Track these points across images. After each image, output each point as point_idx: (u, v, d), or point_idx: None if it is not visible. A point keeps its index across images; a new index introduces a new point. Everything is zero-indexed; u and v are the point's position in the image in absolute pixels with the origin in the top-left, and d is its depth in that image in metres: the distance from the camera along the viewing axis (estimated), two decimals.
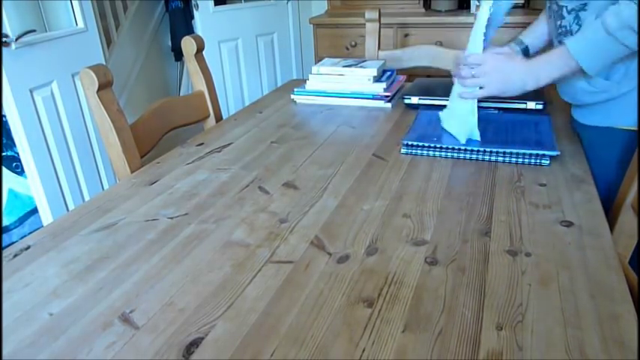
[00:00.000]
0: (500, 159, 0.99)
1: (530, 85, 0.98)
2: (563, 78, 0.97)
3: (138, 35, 3.48)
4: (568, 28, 1.01)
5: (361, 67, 1.45)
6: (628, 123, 0.97)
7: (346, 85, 1.44)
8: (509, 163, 0.98)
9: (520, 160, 0.98)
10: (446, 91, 1.32)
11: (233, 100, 2.94)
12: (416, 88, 1.41)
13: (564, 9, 1.01)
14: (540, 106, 1.21)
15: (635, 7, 0.83)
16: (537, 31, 1.21)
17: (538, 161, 0.97)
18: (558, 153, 0.96)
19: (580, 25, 0.99)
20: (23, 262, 0.73)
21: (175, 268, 0.70)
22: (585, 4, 0.96)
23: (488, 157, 1.00)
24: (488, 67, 1.00)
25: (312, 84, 1.47)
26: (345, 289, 0.64)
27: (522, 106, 1.22)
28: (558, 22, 1.03)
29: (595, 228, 0.75)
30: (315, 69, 1.47)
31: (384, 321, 0.58)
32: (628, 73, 0.94)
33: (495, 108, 1.24)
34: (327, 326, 0.57)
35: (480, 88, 1.01)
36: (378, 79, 1.43)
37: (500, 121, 1.13)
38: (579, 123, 1.08)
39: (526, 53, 1.20)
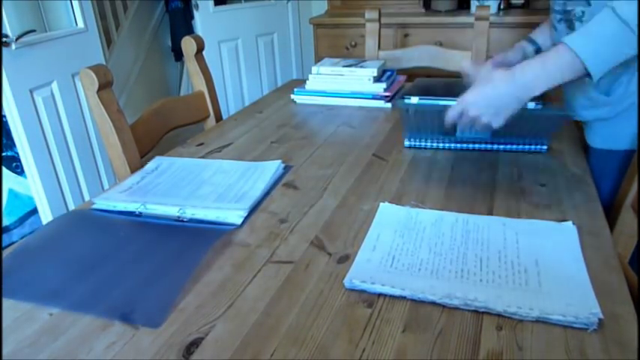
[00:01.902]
0: (502, 147, 1.03)
1: (525, 98, 0.82)
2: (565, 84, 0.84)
3: (138, 35, 3.48)
4: None
5: (361, 67, 1.45)
6: (626, 145, 0.94)
7: (346, 85, 1.44)
8: (510, 151, 1.03)
9: (521, 146, 1.02)
10: (446, 91, 1.32)
11: (233, 100, 2.94)
12: (416, 89, 1.41)
13: (569, 14, 0.92)
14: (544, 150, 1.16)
15: None
16: (548, 31, 1.11)
17: (538, 147, 1.01)
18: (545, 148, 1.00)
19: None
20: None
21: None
22: (583, 12, 0.88)
23: (490, 147, 1.04)
24: (473, 108, 0.84)
25: (312, 84, 1.47)
26: (344, 289, 0.64)
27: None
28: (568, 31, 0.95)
29: (595, 228, 0.75)
30: (314, 69, 1.47)
31: (384, 321, 0.58)
32: (628, 88, 0.90)
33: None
34: (327, 326, 0.57)
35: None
36: (378, 79, 1.43)
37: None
38: (587, 144, 1.05)
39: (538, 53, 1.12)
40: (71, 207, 2.03)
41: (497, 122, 0.84)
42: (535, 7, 2.46)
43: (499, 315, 0.57)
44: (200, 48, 1.37)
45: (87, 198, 2.13)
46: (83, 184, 2.12)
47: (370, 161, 1.03)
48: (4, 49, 1.70)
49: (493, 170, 0.96)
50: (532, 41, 1.15)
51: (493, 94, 0.82)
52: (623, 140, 0.95)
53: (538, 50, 1.14)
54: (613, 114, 0.94)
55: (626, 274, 0.66)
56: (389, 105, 1.40)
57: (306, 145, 1.14)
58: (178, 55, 3.73)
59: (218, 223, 0.81)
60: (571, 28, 0.92)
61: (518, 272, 0.64)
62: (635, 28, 0.72)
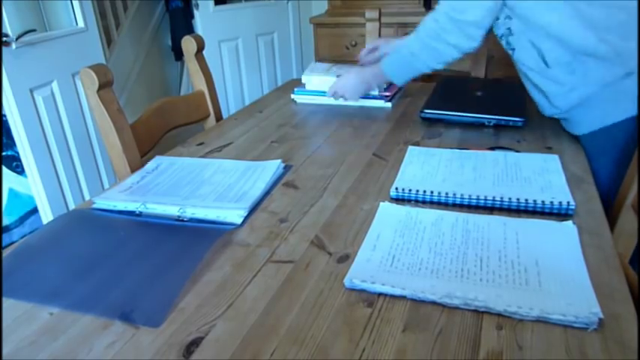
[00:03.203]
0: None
1: (365, 88, 1.30)
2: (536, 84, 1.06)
3: (138, 35, 3.48)
4: (508, 51, 1.10)
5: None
6: (617, 117, 0.97)
7: None
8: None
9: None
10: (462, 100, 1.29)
11: (233, 100, 2.94)
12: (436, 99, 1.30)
13: (497, 37, 1.10)
14: (519, 124, 1.13)
15: (432, 23, 1.04)
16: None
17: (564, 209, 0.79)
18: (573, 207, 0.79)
19: (513, 50, 1.07)
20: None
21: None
22: (510, 29, 1.04)
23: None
24: (340, 81, 1.32)
25: (312, 84, 1.47)
26: (345, 288, 0.64)
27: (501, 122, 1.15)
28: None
29: (595, 228, 0.75)
30: (304, 78, 1.45)
31: (384, 321, 0.58)
32: (590, 71, 0.96)
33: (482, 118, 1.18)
34: (327, 326, 0.57)
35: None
36: None
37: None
38: (574, 135, 1.07)
39: None
40: (71, 206, 2.03)
41: (353, 98, 1.33)
42: None
43: (499, 314, 0.57)
44: (200, 47, 1.37)
45: (87, 197, 2.13)
46: (83, 183, 2.12)
47: (370, 161, 1.03)
48: (5, 49, 1.70)
49: None
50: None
51: (347, 77, 1.31)
52: (609, 113, 0.98)
53: None
54: (586, 97, 0.99)
55: (626, 274, 0.66)
56: (389, 105, 1.40)
57: (306, 145, 1.14)
58: (178, 54, 3.73)
59: (218, 222, 0.81)
60: (508, 44, 1.08)
61: (518, 272, 0.64)
62: (415, 51, 1.10)
